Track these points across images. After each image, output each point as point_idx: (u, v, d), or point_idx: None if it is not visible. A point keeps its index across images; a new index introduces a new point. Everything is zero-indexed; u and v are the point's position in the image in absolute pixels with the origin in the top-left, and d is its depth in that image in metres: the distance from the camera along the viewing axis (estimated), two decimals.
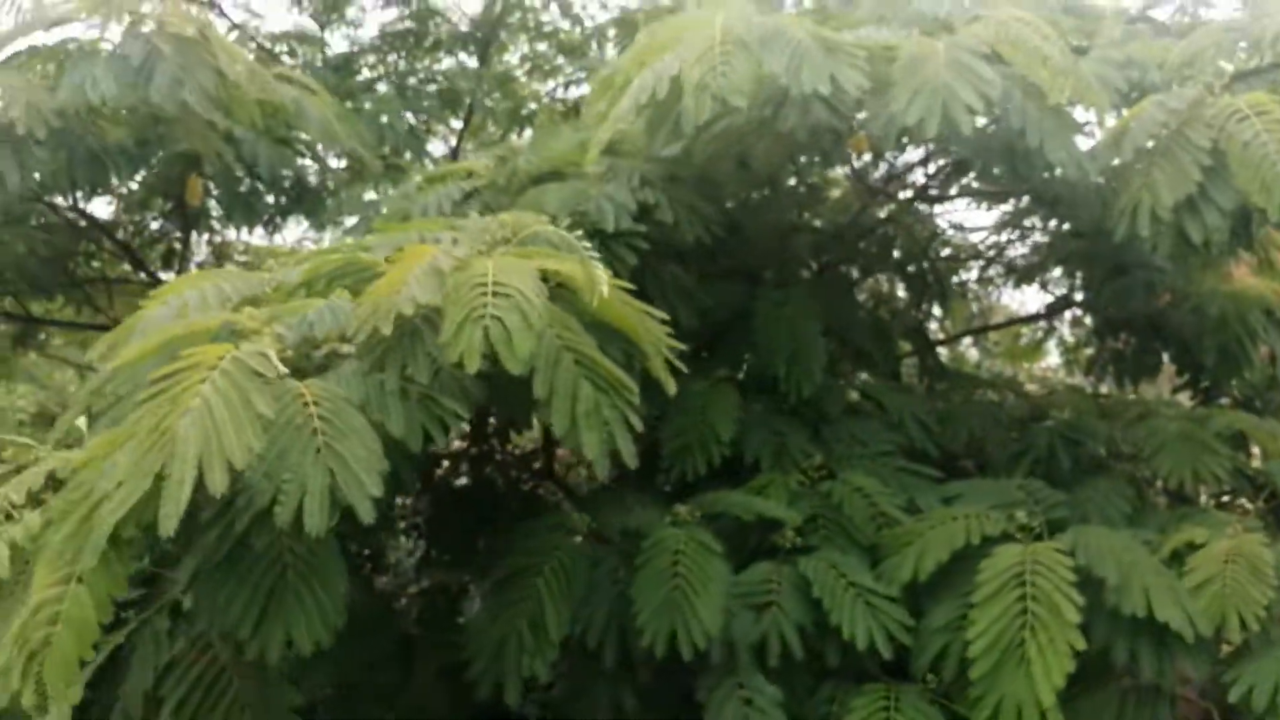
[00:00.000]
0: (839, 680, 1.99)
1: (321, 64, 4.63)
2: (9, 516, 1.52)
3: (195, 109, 2.38)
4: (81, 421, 1.67)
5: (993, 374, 4.59)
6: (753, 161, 2.49)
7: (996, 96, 2.09)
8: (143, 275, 3.87)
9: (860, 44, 2.16)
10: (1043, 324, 4.00)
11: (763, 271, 2.72)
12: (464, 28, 4.84)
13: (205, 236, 4.15)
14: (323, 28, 4.76)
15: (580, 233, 1.90)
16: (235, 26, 4.78)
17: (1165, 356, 3.03)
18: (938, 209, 3.53)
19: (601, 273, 1.68)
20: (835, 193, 3.09)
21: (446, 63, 5.07)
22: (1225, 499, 2.54)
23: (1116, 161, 2.32)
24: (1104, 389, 3.62)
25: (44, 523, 1.49)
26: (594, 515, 2.20)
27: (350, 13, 4.82)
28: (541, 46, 4.98)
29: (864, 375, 2.90)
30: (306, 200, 3.08)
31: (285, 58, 4.99)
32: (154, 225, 3.76)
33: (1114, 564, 1.89)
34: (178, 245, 3.90)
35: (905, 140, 2.50)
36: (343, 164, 3.35)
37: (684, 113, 1.94)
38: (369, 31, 5.35)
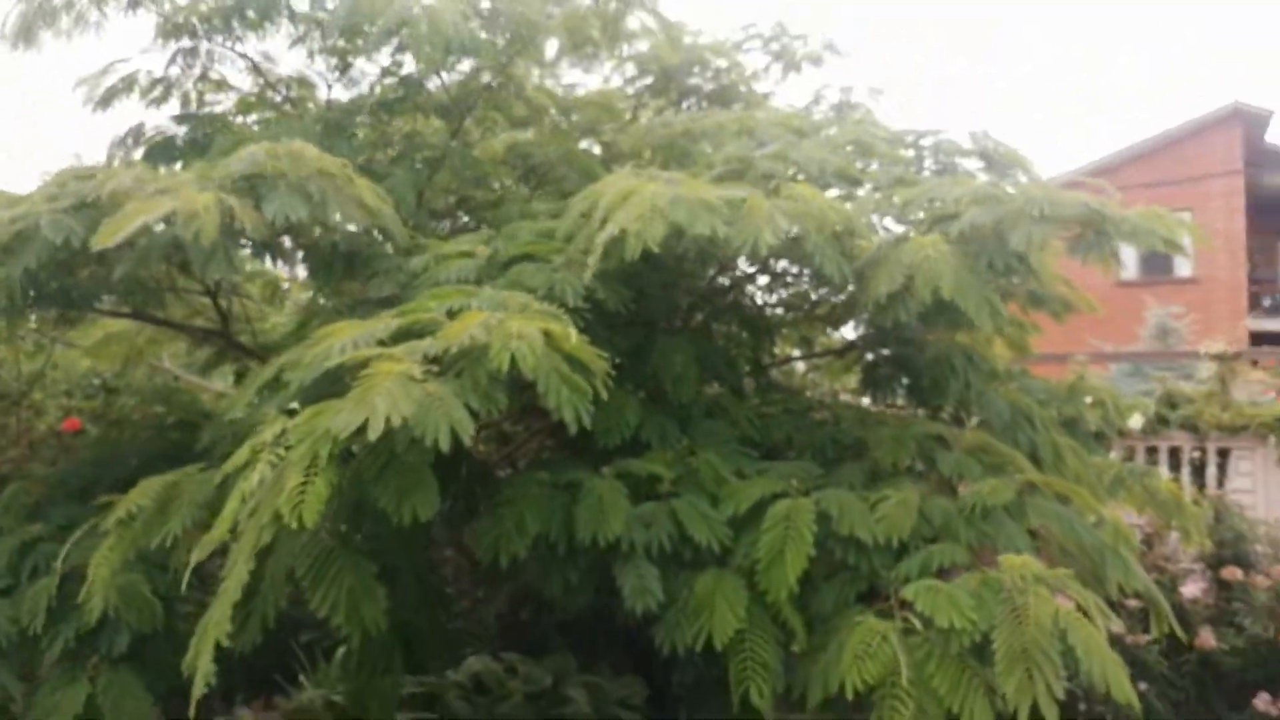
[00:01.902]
0: (692, 568, 3.46)
1: (315, 117, 5.83)
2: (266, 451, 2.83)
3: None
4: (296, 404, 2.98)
5: (815, 390, 6.31)
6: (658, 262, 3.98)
7: (784, 235, 3.51)
8: None
9: (726, 200, 3.59)
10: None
11: (657, 321, 4.20)
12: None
13: None
14: (329, 84, 5.93)
15: (554, 305, 3.35)
16: (254, 66, 5.82)
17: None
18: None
19: (571, 329, 3.11)
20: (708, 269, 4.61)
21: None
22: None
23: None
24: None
25: (287, 450, 2.80)
26: (550, 472, 3.67)
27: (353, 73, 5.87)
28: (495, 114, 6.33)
29: (717, 388, 4.43)
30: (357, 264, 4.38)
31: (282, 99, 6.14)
32: None
33: (837, 508, 3.40)
34: None
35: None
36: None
37: (627, 248, 3.36)
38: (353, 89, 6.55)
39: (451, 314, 3.22)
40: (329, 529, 3.34)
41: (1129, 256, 23.14)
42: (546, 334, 2.98)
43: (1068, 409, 5.04)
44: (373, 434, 2.59)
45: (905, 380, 4.63)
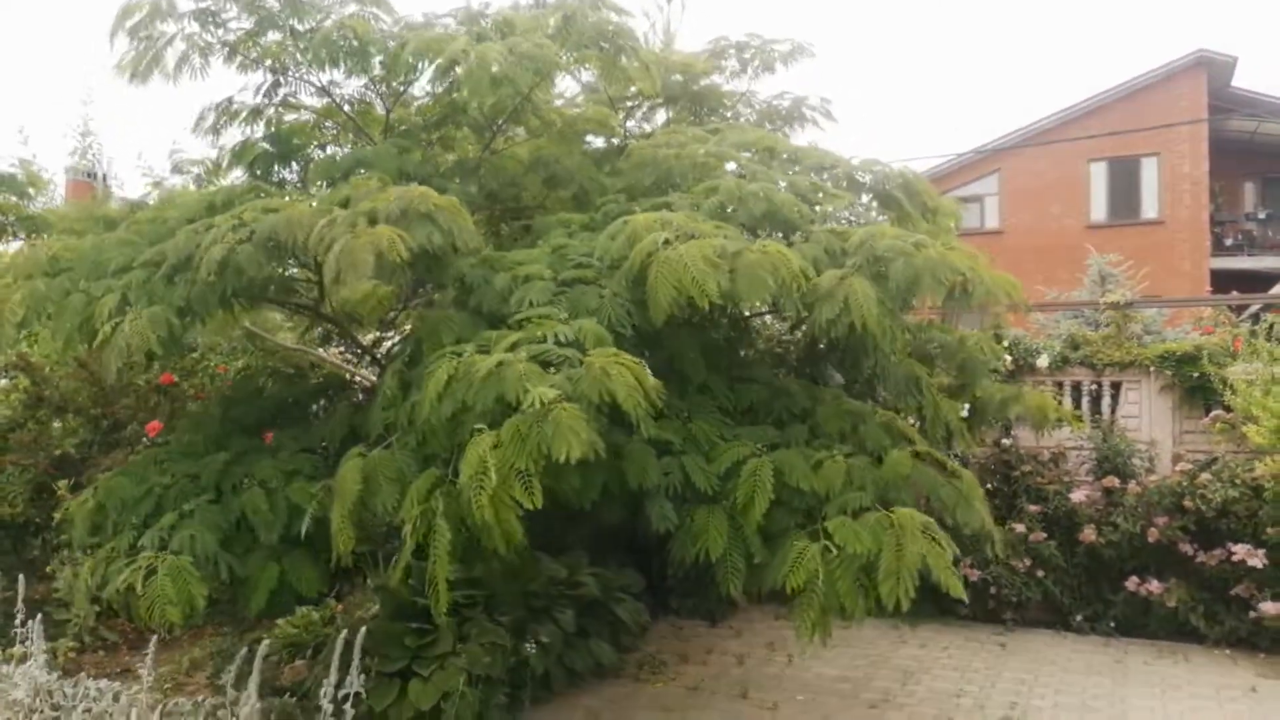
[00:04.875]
0: (691, 503, 4.91)
1: (387, 141, 7.19)
2: None
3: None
4: None
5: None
6: None
7: (771, 293, 4.87)
8: None
9: (733, 253, 4.91)
10: None
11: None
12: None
13: None
14: (386, 106, 7.27)
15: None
16: (323, 91, 7.18)
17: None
18: None
19: (646, 371, 4.38)
20: None
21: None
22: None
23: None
24: None
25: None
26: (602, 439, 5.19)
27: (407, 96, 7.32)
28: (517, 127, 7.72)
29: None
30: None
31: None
32: None
33: (788, 466, 4.86)
34: None
35: None
36: None
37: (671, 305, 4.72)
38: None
39: (560, 343, 4.58)
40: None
41: (1099, 200, 24.54)
42: (640, 379, 4.36)
43: (960, 353, 6.71)
44: (570, 457, 3.97)
45: (834, 359, 6.27)
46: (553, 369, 4.40)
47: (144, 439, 8.57)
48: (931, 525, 4.66)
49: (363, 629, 5.77)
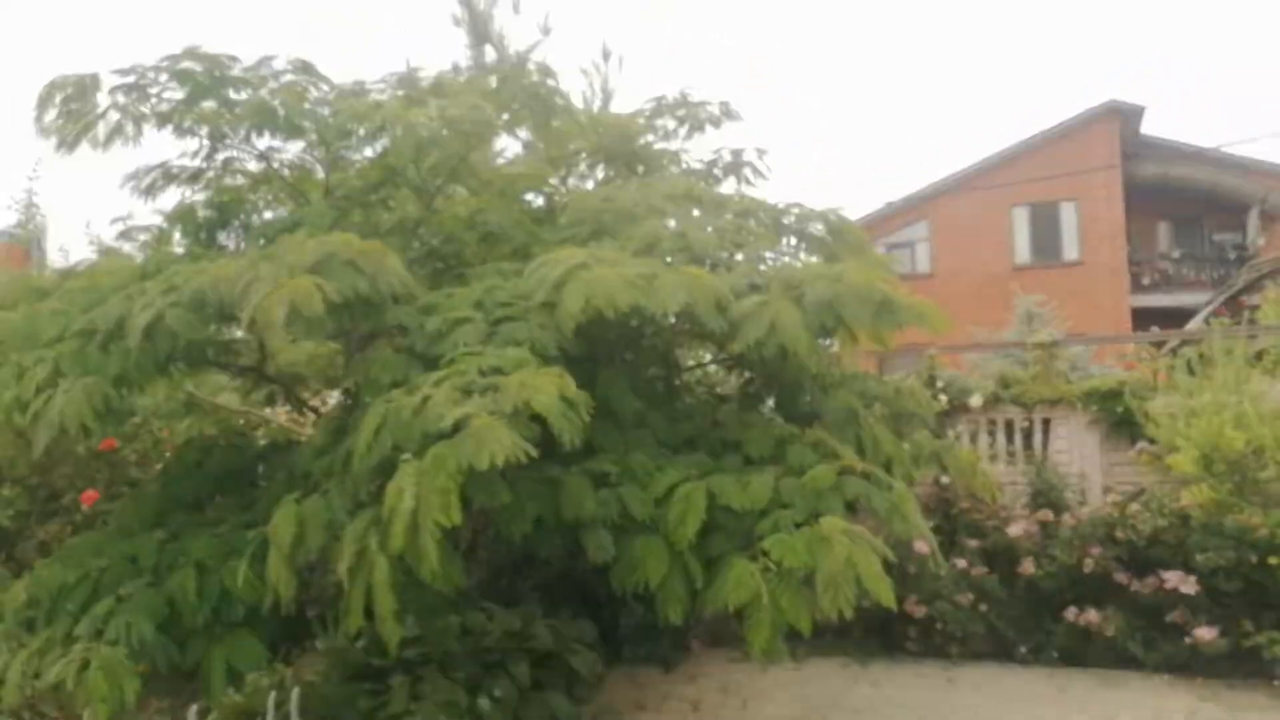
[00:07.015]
0: (631, 534, 5.05)
1: (324, 204, 7.35)
2: None
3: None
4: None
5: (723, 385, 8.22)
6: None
7: (682, 304, 5.09)
8: None
9: (645, 275, 5.18)
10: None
11: (599, 359, 5.90)
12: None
13: None
14: (325, 169, 7.41)
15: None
16: (262, 157, 7.30)
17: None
18: None
19: (570, 382, 4.63)
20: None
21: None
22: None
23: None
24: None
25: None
26: (536, 472, 5.27)
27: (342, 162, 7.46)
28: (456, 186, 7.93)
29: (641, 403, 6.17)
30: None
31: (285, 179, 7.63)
32: None
33: (720, 488, 5.02)
34: None
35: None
36: None
37: (589, 310, 4.92)
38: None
39: (483, 372, 4.69)
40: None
41: (1023, 243, 25.53)
42: (559, 389, 4.51)
43: (894, 404, 6.95)
44: (490, 465, 4.10)
45: (771, 393, 6.50)
46: (476, 395, 4.51)
47: (81, 509, 8.40)
48: (857, 531, 4.76)
49: (295, 690, 5.69)
